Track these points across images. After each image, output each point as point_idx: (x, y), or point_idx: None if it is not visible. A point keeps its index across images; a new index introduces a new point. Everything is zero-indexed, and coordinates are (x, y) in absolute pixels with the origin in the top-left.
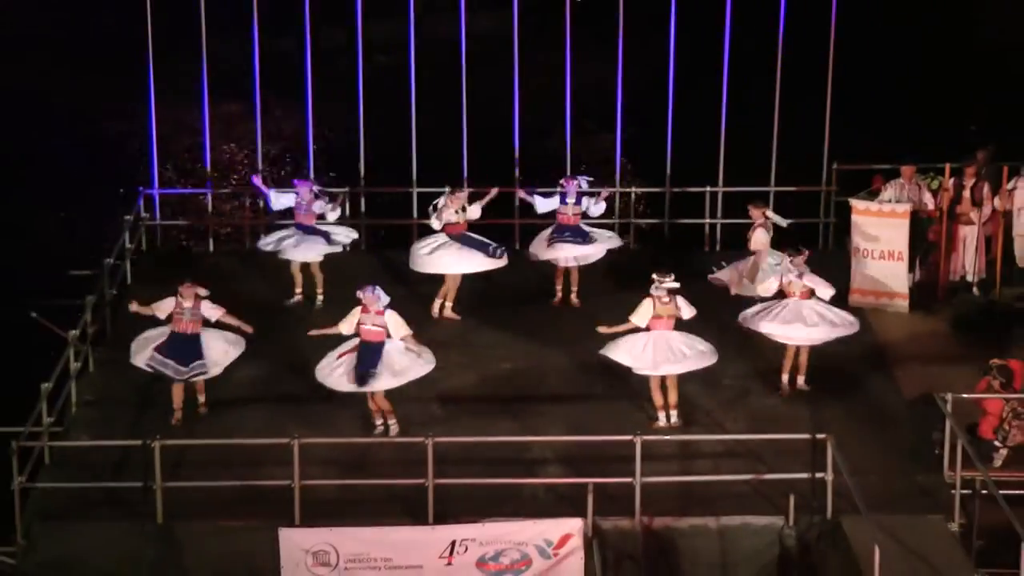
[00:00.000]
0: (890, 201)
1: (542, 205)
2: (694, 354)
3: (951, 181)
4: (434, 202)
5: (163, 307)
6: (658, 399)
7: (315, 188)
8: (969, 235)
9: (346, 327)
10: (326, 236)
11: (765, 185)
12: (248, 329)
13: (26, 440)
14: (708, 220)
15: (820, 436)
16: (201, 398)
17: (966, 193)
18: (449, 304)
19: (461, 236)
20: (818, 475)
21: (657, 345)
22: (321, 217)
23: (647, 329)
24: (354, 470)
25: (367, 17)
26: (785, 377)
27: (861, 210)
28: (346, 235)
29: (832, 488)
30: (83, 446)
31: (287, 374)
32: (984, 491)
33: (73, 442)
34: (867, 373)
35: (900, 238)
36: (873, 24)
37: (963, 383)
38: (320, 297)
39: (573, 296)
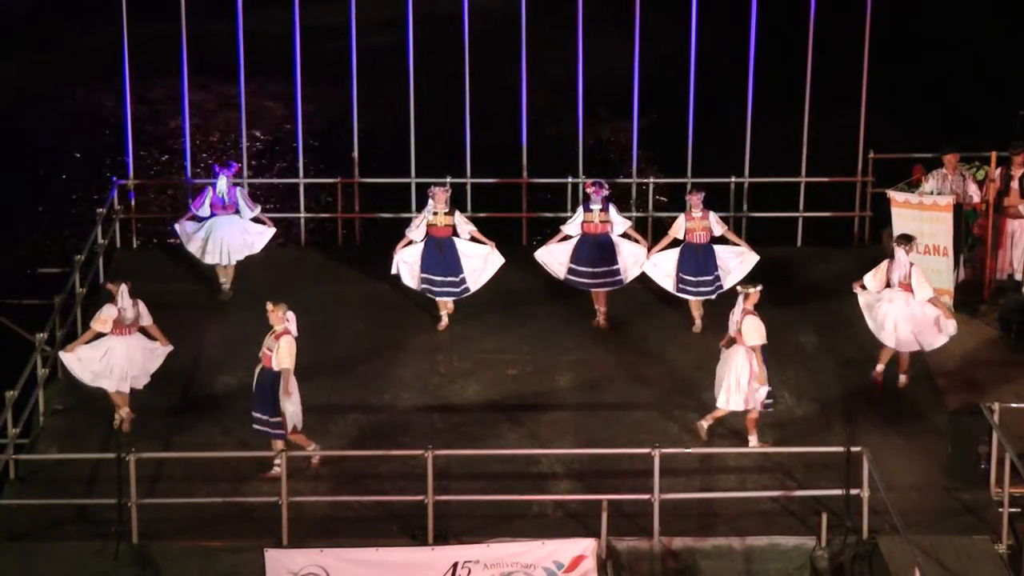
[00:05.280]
0: (931, 193)
1: (571, 229)
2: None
3: (998, 171)
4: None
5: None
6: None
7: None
8: (1018, 230)
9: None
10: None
11: (795, 175)
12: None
13: None
14: (733, 213)
15: (855, 449)
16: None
17: (1015, 184)
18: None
19: (446, 243)
20: (853, 491)
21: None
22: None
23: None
24: (347, 485)
25: None
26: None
27: (900, 203)
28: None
29: (868, 506)
30: (52, 459)
31: None
32: None
33: (41, 455)
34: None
35: (943, 232)
36: None
37: (1011, 391)
38: (228, 287)
39: (601, 319)
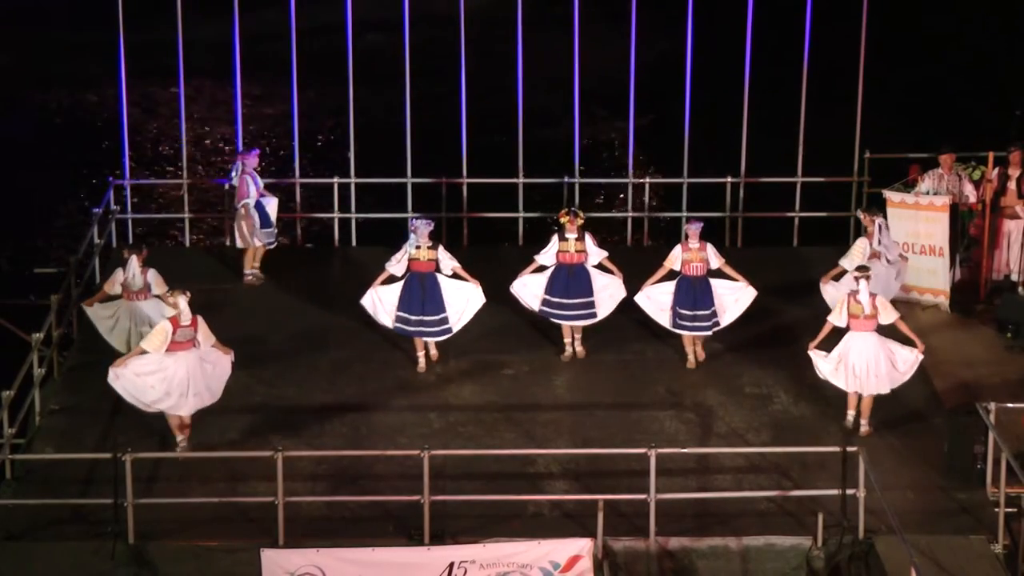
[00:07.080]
0: (928, 193)
1: (546, 259)
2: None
3: (995, 171)
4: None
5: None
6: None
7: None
8: (1014, 230)
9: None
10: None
11: (791, 175)
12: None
13: None
14: (729, 214)
15: (851, 449)
16: None
17: (1011, 184)
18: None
19: (428, 279)
20: (849, 491)
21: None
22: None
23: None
24: (343, 485)
25: None
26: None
27: (896, 203)
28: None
29: (864, 505)
30: (48, 459)
31: (270, 381)
32: None
33: (37, 455)
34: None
35: (939, 233)
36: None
37: (1008, 391)
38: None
39: (578, 346)
